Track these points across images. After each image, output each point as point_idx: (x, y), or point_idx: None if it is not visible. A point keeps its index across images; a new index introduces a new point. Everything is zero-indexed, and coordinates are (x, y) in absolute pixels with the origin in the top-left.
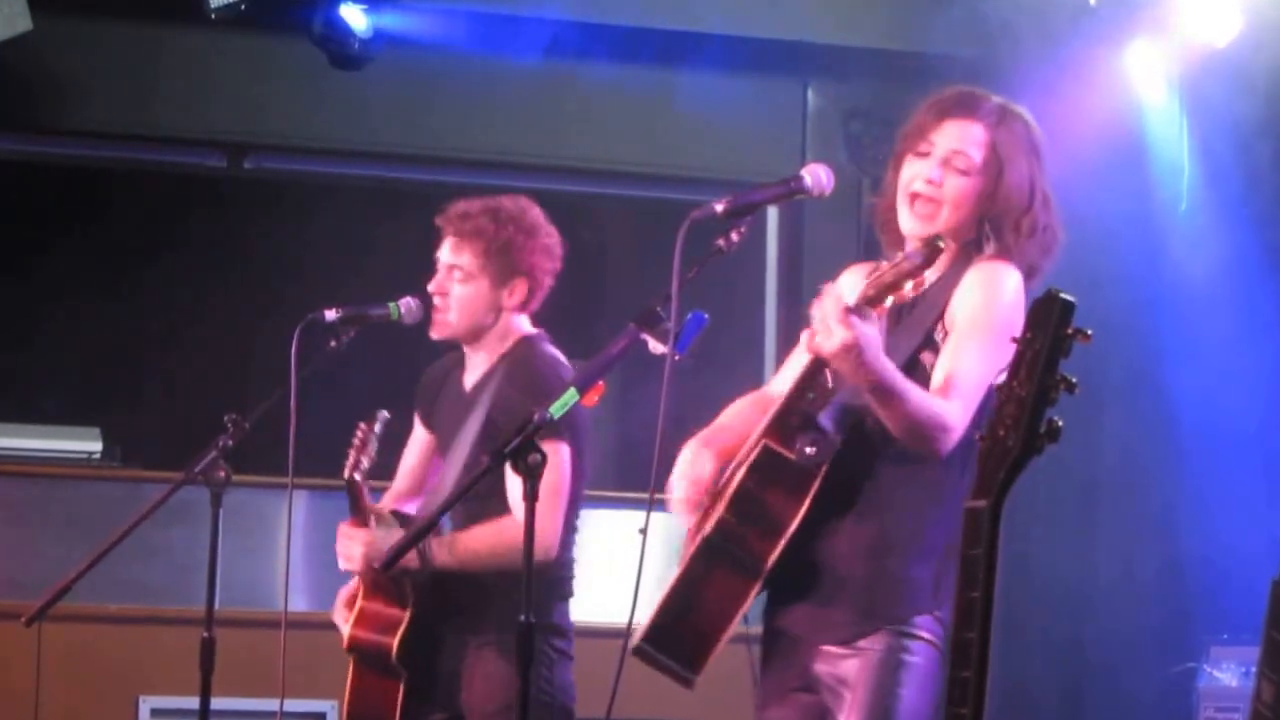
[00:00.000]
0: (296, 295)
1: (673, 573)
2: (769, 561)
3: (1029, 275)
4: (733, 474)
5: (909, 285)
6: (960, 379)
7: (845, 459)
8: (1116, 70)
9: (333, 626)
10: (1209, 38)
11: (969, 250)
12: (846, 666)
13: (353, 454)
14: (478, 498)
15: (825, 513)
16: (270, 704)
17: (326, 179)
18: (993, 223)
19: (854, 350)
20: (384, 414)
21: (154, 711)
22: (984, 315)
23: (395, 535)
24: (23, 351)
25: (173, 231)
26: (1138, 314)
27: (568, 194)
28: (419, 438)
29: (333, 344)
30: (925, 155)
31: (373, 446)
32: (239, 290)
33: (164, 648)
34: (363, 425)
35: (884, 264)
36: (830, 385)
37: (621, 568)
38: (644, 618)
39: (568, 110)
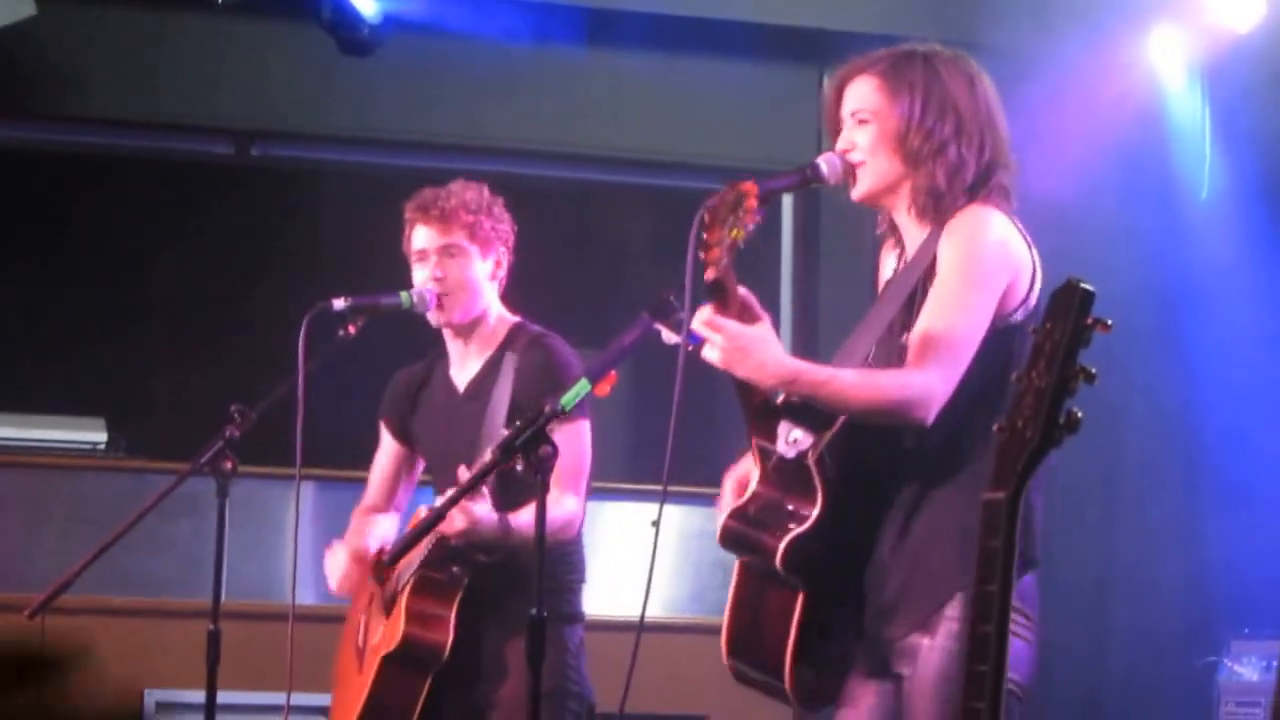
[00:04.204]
0: (305, 284)
1: (693, 572)
2: (778, 559)
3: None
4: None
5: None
6: (935, 341)
7: (857, 444)
8: (1138, 56)
9: (340, 619)
10: (1232, 24)
11: (942, 205)
12: (912, 649)
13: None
14: (516, 487)
15: (862, 503)
16: (277, 697)
17: (336, 166)
18: (915, 157)
19: (739, 353)
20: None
21: (159, 705)
22: (961, 266)
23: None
24: (27, 341)
25: (179, 220)
26: (1159, 302)
27: (581, 181)
28: (389, 449)
29: (341, 333)
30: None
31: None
32: (246, 279)
33: (170, 641)
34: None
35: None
36: None
37: (634, 560)
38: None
39: (581, 97)
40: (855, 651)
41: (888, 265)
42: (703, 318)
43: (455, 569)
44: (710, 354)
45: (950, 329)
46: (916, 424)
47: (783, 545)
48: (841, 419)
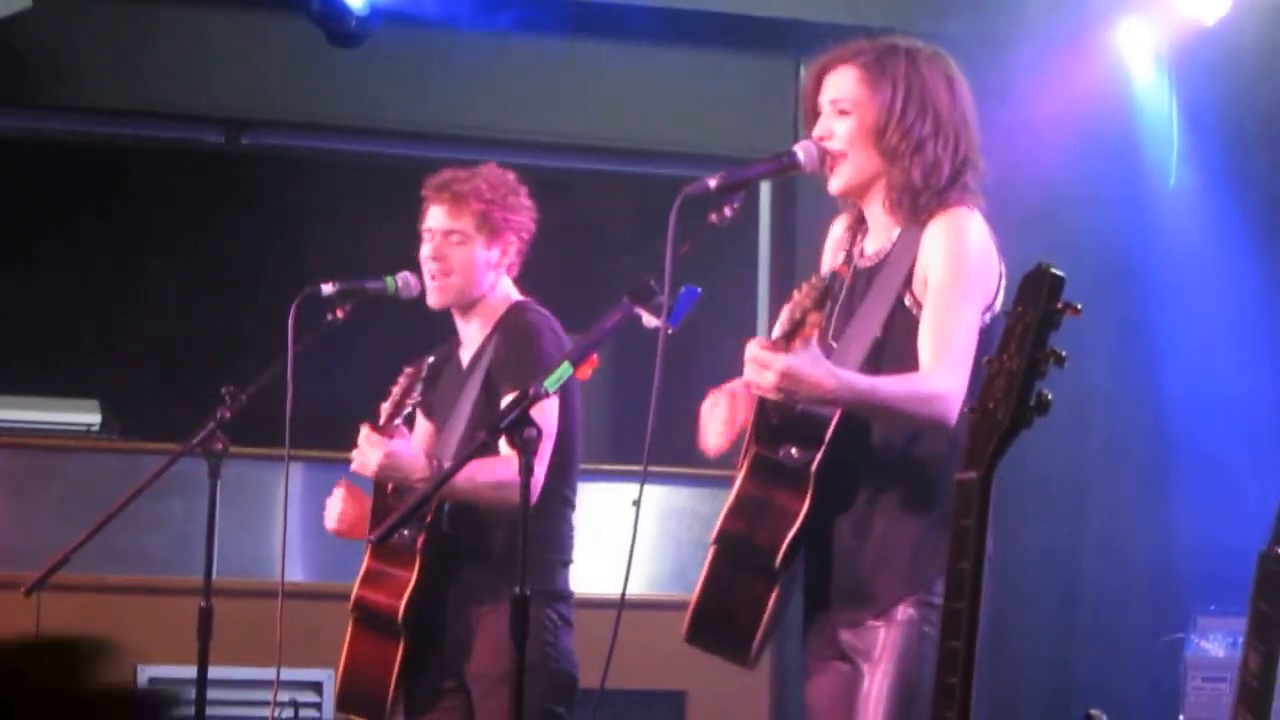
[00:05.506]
0: (294, 270)
1: (674, 550)
2: (778, 559)
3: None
4: (734, 481)
5: (813, 317)
6: (948, 342)
7: (845, 443)
8: (1106, 47)
9: (329, 596)
10: (1198, 15)
11: (917, 203)
12: (871, 638)
13: (395, 398)
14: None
15: (838, 493)
16: (267, 673)
17: (325, 155)
18: (892, 153)
19: (792, 380)
20: (429, 358)
21: (152, 680)
22: (955, 267)
23: (419, 457)
24: (21, 324)
25: (171, 207)
26: (1127, 287)
27: (563, 170)
28: (421, 429)
29: (330, 317)
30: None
31: (416, 392)
32: (237, 264)
33: (162, 617)
34: (408, 370)
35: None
36: None
37: (615, 539)
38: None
39: (563, 86)
40: (809, 631)
41: (834, 252)
42: (753, 355)
43: (405, 533)
44: (763, 381)
45: (957, 331)
46: (940, 420)
47: (784, 546)
48: (830, 434)
